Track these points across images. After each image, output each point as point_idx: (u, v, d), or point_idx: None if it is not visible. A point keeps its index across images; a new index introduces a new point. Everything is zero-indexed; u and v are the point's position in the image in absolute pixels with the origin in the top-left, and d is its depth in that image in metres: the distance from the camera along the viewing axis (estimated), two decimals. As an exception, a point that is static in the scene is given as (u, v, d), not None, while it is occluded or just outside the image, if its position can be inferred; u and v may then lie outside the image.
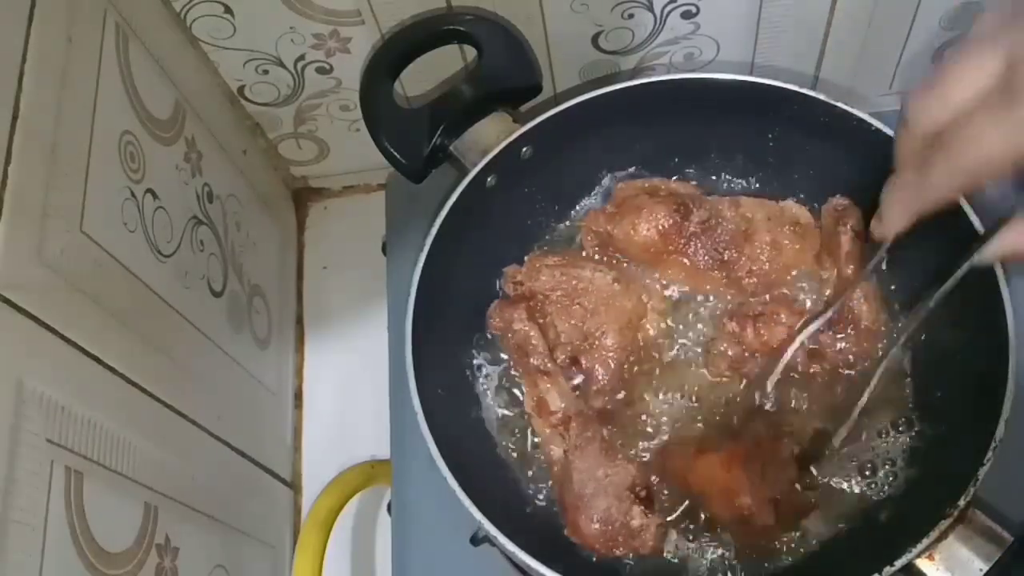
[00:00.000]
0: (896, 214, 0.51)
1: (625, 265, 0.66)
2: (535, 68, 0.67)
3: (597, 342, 0.62)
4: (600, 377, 0.62)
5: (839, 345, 0.61)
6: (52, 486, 0.44)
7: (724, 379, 0.62)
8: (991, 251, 0.50)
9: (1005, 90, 0.40)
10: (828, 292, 0.62)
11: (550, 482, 0.61)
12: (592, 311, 0.62)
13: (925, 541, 0.49)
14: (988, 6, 0.44)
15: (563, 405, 0.60)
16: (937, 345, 0.60)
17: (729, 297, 0.64)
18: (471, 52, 0.68)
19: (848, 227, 0.61)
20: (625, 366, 0.62)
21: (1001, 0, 0.43)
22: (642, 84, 0.63)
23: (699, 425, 0.61)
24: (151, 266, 0.58)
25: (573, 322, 0.63)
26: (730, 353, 0.62)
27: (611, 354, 0.62)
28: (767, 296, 0.63)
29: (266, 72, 0.73)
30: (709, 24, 0.70)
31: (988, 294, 0.54)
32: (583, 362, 0.62)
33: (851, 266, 0.61)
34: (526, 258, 0.66)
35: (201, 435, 0.62)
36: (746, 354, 0.61)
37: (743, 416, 0.60)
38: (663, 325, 0.64)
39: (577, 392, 0.62)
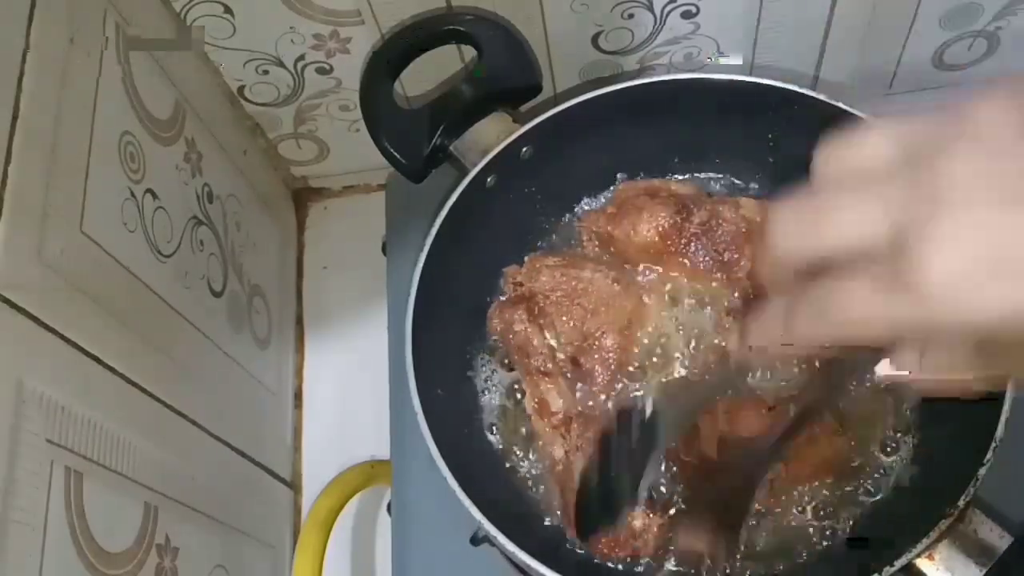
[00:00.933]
0: (755, 343, 0.41)
1: (625, 266, 0.66)
2: (535, 68, 0.67)
3: (597, 343, 0.62)
4: (599, 378, 0.62)
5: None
6: (52, 486, 0.44)
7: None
8: (884, 370, 0.40)
9: (892, 258, 0.33)
10: None
11: (551, 481, 0.61)
12: (592, 311, 0.62)
13: (925, 541, 0.49)
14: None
15: (563, 405, 0.60)
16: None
17: (727, 301, 0.64)
18: (471, 52, 0.68)
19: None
20: (625, 367, 0.62)
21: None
22: (642, 84, 0.63)
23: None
24: (151, 266, 0.58)
25: (573, 322, 0.62)
26: (722, 347, 0.62)
27: (611, 355, 0.62)
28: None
29: (266, 72, 0.73)
30: (709, 24, 0.70)
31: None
32: (583, 363, 0.62)
33: None
34: (526, 258, 0.66)
35: (201, 435, 0.62)
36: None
37: None
38: (663, 326, 0.64)
39: (579, 392, 0.62)
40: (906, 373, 0.38)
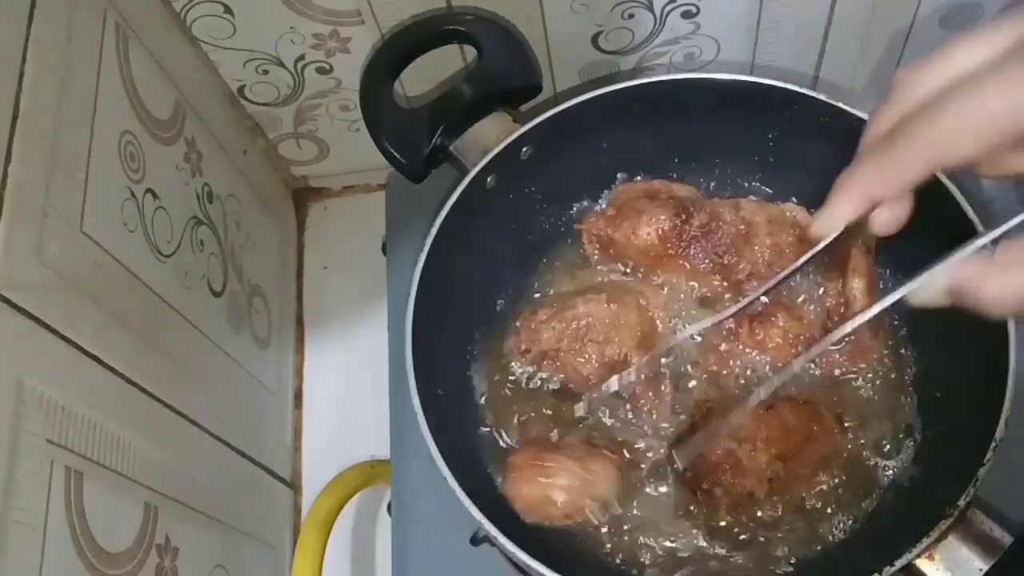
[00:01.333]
0: (845, 199, 0.42)
1: (621, 267, 0.66)
2: (535, 68, 0.67)
3: (624, 367, 0.61)
4: (643, 391, 0.61)
5: (833, 356, 0.61)
6: (52, 486, 0.44)
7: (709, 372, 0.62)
8: (931, 290, 0.41)
9: (1003, 62, 0.36)
10: (829, 302, 0.62)
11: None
12: (605, 341, 0.62)
13: (925, 541, 0.49)
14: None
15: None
16: (937, 345, 0.60)
17: (728, 299, 0.64)
18: (471, 52, 0.68)
19: (860, 240, 0.60)
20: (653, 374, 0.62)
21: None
22: (642, 84, 0.63)
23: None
24: (151, 266, 0.58)
25: (595, 360, 0.62)
26: (723, 348, 0.62)
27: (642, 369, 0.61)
28: (767, 299, 0.63)
29: (266, 72, 0.73)
30: (709, 24, 0.70)
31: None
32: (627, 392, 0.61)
33: (856, 280, 0.61)
34: (518, 324, 0.65)
35: (201, 435, 0.62)
36: (738, 350, 0.61)
37: None
38: (663, 329, 0.64)
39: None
40: (971, 278, 0.39)
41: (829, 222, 0.44)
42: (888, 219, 0.42)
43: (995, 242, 0.42)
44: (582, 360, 0.62)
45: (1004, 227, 0.42)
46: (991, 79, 0.36)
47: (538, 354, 0.63)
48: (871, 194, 0.42)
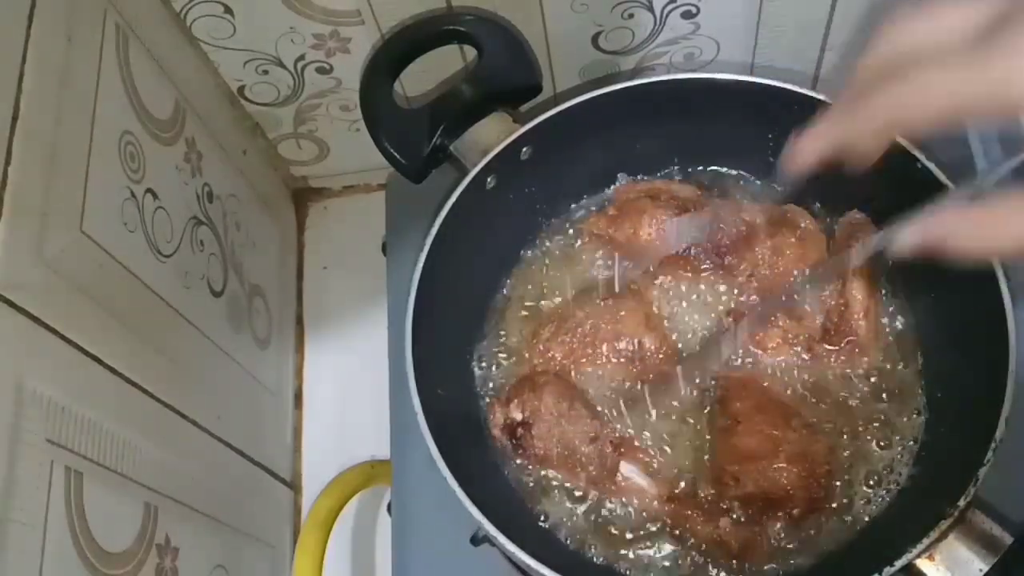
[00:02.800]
0: (809, 143, 0.45)
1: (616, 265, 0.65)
2: (535, 68, 0.67)
3: (644, 354, 0.61)
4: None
5: (832, 358, 0.61)
6: (52, 486, 0.44)
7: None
8: (905, 237, 0.42)
9: (978, 41, 0.37)
10: (829, 302, 0.61)
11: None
12: (615, 336, 0.61)
13: (925, 541, 0.49)
14: None
15: None
16: (938, 345, 0.60)
17: (728, 301, 0.64)
18: (471, 52, 0.69)
19: (860, 243, 0.60)
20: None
21: None
22: (642, 84, 0.63)
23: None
24: (151, 266, 0.58)
25: (611, 357, 0.61)
26: (723, 349, 0.62)
27: (659, 353, 0.61)
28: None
29: (266, 72, 0.73)
30: (709, 24, 0.70)
31: (989, 293, 0.54)
32: (652, 377, 0.61)
33: (856, 281, 0.61)
34: (526, 355, 0.64)
35: (201, 435, 0.62)
36: (738, 351, 0.61)
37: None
38: (663, 330, 0.64)
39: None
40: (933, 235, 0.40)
41: (799, 157, 0.47)
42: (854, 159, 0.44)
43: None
44: (599, 362, 0.62)
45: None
46: (945, 68, 0.37)
47: (555, 369, 0.62)
48: (829, 143, 0.45)
